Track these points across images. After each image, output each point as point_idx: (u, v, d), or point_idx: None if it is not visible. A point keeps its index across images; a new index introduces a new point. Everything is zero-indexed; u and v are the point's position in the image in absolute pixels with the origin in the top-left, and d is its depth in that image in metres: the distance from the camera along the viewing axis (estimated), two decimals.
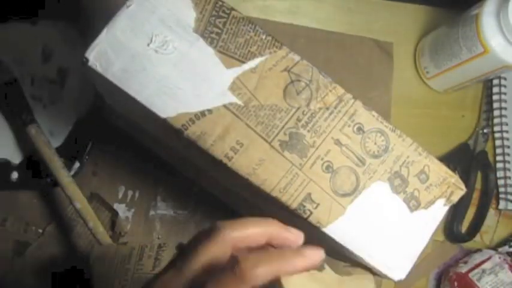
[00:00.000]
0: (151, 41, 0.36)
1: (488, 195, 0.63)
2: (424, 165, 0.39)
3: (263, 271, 0.26)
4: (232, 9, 0.37)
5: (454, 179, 0.40)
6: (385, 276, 0.39)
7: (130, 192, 0.56)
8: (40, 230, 0.54)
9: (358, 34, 0.64)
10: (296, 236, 0.30)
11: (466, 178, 0.62)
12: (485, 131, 0.64)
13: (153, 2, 0.36)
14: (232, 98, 0.37)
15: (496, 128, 0.64)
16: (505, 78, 0.64)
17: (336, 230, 0.38)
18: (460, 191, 0.40)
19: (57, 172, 0.49)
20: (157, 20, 0.36)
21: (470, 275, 0.59)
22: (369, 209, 0.38)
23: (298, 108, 0.37)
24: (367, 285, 0.41)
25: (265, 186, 0.37)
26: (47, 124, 0.53)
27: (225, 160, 0.36)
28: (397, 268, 0.39)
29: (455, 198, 0.40)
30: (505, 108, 0.64)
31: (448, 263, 0.63)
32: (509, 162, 0.64)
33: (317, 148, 0.38)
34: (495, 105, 0.64)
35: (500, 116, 0.64)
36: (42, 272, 0.53)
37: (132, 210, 0.56)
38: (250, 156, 0.37)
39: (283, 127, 0.37)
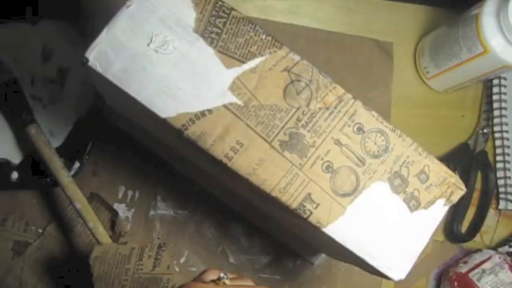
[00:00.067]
0: (151, 41, 0.36)
1: (488, 195, 0.63)
2: (424, 165, 0.39)
3: None
4: (232, 9, 0.37)
5: (454, 179, 0.40)
6: (385, 276, 0.39)
7: (130, 192, 0.56)
8: (40, 230, 0.54)
9: (358, 34, 0.64)
10: None
11: (466, 178, 0.62)
12: (485, 131, 0.64)
13: (153, 2, 0.36)
14: (232, 98, 0.37)
15: (496, 128, 0.64)
16: (505, 78, 0.64)
17: (336, 230, 0.38)
18: (460, 191, 0.40)
19: (57, 172, 0.49)
20: (157, 20, 0.36)
21: (470, 275, 0.59)
22: (369, 209, 0.38)
23: (298, 108, 0.37)
24: None
25: (265, 186, 0.37)
26: (47, 124, 0.53)
27: (225, 160, 0.36)
28: (397, 268, 0.39)
29: (455, 198, 0.40)
30: (505, 108, 0.64)
31: (448, 263, 0.63)
32: (509, 162, 0.64)
33: (317, 148, 0.38)
34: (495, 105, 0.64)
35: (500, 116, 0.64)
36: (42, 272, 0.53)
37: (132, 210, 0.56)
38: (250, 156, 0.37)
39: (283, 127, 0.37)
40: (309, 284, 0.59)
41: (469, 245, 0.63)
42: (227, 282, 0.33)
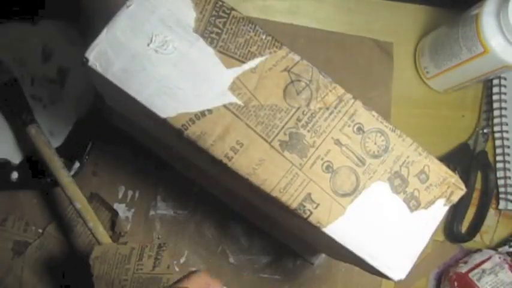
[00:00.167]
0: (151, 41, 0.36)
1: (488, 195, 0.63)
2: (424, 165, 0.39)
3: None
4: (232, 9, 0.37)
5: (454, 179, 0.40)
6: (385, 276, 0.39)
7: (130, 192, 0.56)
8: (40, 230, 0.54)
9: (358, 34, 0.64)
10: None
11: (466, 178, 0.62)
12: (485, 131, 0.64)
13: (153, 2, 0.36)
14: (232, 98, 0.37)
15: (496, 128, 0.64)
16: (505, 78, 0.64)
17: (336, 230, 0.38)
18: (460, 191, 0.40)
19: (57, 172, 0.49)
20: (157, 20, 0.36)
21: (470, 275, 0.59)
22: (369, 209, 0.38)
23: (298, 108, 0.37)
24: None
25: (265, 186, 0.37)
26: (47, 124, 0.53)
27: (225, 160, 0.36)
28: (397, 268, 0.39)
29: (455, 198, 0.40)
30: (505, 108, 0.64)
31: (448, 263, 0.63)
32: (509, 162, 0.64)
33: (317, 148, 0.38)
34: (495, 105, 0.64)
35: (500, 116, 0.64)
36: (42, 272, 0.53)
37: (132, 210, 0.56)
38: (250, 156, 0.37)
39: (283, 127, 0.37)
40: (309, 284, 0.59)
41: (469, 245, 0.63)
42: None
